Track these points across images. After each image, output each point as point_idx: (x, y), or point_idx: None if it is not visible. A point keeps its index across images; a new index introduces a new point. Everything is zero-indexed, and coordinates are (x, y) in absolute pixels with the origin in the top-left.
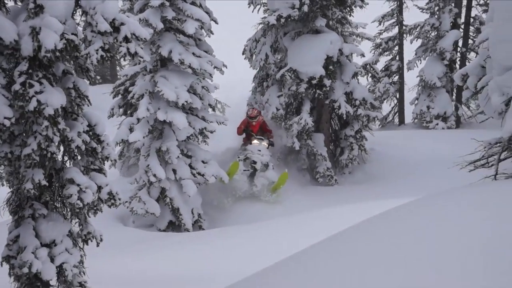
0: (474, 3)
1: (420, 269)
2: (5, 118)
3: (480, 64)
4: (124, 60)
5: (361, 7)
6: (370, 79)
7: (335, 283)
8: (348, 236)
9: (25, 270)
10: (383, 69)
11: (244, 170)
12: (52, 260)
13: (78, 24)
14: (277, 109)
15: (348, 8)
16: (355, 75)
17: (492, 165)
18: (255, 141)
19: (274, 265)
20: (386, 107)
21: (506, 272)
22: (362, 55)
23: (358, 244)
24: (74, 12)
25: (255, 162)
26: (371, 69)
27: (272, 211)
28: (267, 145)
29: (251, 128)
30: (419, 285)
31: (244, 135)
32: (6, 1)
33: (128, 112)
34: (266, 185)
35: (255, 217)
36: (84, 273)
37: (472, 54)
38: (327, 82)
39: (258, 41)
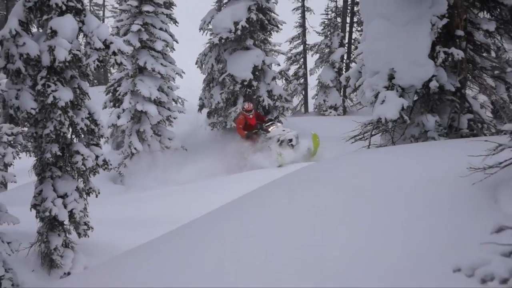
0: (354, 29)
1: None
2: (31, 108)
3: (357, 70)
4: (113, 68)
5: (277, 31)
6: (284, 81)
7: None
8: (264, 191)
9: (47, 213)
10: (293, 74)
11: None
12: (65, 207)
13: (80, 43)
14: (218, 103)
15: (268, 32)
16: (274, 78)
17: (366, 138)
18: (272, 127)
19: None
20: (296, 100)
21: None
22: (278, 64)
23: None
24: (78, 35)
25: (291, 140)
26: (285, 74)
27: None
28: (279, 123)
29: (249, 123)
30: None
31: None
32: (31, 28)
33: (116, 105)
34: (310, 149)
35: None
36: (87, 216)
37: (353, 64)
38: (254, 83)
39: (206, 55)
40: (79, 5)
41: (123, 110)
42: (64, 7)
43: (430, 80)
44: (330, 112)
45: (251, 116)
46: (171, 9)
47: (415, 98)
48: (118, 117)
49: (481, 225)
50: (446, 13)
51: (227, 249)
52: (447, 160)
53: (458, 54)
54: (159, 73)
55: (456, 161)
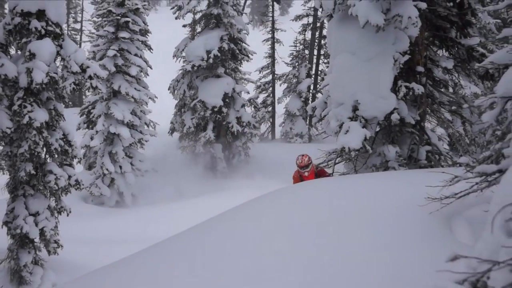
0: (321, 61)
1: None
2: (7, 127)
3: (323, 101)
4: (88, 91)
5: (247, 61)
6: (253, 109)
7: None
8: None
9: (18, 231)
10: (262, 102)
11: None
12: (36, 225)
13: (58, 66)
14: (189, 127)
15: (239, 61)
16: (243, 105)
17: (330, 166)
18: None
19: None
20: (263, 127)
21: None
22: (248, 92)
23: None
24: (56, 58)
25: None
26: (254, 102)
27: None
28: None
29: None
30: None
31: None
32: (10, 50)
33: (90, 126)
34: None
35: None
36: (58, 234)
37: (319, 94)
38: (224, 110)
39: (179, 81)
40: (57, 30)
41: (96, 131)
42: (43, 31)
43: (392, 112)
44: (296, 140)
45: (307, 173)
46: (147, 36)
47: (377, 129)
48: (91, 138)
49: (437, 253)
50: (408, 50)
51: (187, 265)
52: (406, 190)
53: (419, 89)
54: (132, 97)
55: (415, 191)
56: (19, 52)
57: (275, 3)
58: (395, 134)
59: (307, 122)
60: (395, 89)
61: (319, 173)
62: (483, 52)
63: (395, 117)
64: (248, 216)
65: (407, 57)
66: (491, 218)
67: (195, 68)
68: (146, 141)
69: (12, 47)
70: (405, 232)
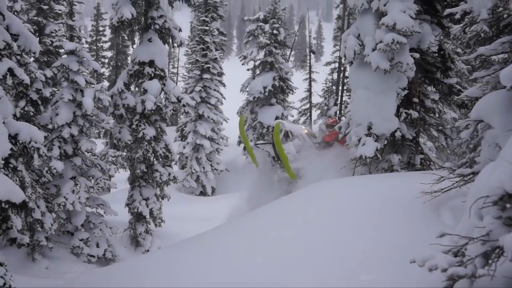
0: (344, 94)
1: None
2: (128, 140)
3: (347, 122)
4: (182, 115)
5: (292, 94)
6: None
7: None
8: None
9: (135, 210)
10: (302, 123)
11: None
12: (147, 206)
13: (162, 98)
14: (251, 140)
15: (286, 94)
16: None
17: (352, 168)
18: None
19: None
20: None
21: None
22: (292, 116)
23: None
24: (160, 93)
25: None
26: (296, 123)
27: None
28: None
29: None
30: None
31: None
32: (131, 87)
33: (182, 139)
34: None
35: None
36: (161, 213)
37: (343, 118)
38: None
39: (244, 107)
40: (162, 73)
41: (187, 143)
42: (152, 74)
43: (395, 131)
44: None
45: (328, 132)
46: (222, 76)
47: (385, 142)
48: (184, 147)
49: (430, 232)
50: (406, 86)
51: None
52: (406, 186)
53: (415, 114)
54: (212, 119)
55: (412, 187)
56: (137, 89)
57: (311, 54)
58: (398, 146)
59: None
60: (397, 114)
61: (340, 142)
62: (460, 88)
63: (398, 134)
64: (290, 206)
65: (406, 91)
66: (468, 207)
67: (255, 98)
68: (221, 149)
69: (132, 86)
70: (406, 216)
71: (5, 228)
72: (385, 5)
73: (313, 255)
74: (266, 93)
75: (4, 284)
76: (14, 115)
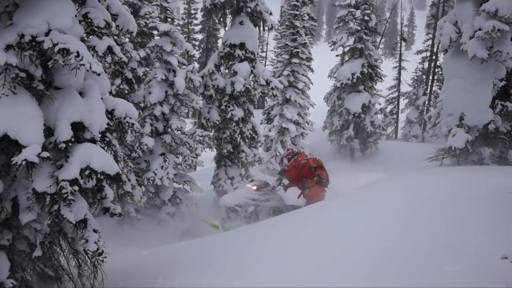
0: (434, 84)
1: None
2: (216, 120)
3: (437, 112)
4: (269, 98)
5: (380, 81)
6: (382, 116)
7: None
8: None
9: (220, 188)
10: (389, 111)
11: None
12: (231, 185)
13: (251, 80)
14: (337, 127)
15: (374, 81)
16: (375, 113)
17: (439, 160)
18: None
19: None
20: (389, 129)
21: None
22: (379, 104)
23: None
24: (250, 75)
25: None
26: (383, 111)
27: None
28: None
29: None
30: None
31: None
32: (221, 69)
33: (269, 122)
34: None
35: None
36: None
37: (432, 108)
38: (362, 115)
39: (331, 93)
40: (252, 56)
41: (273, 126)
42: (242, 57)
43: (489, 123)
44: (412, 140)
45: (286, 167)
46: (310, 62)
47: (477, 134)
48: (269, 130)
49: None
50: (504, 77)
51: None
52: (498, 180)
53: (511, 106)
54: (298, 103)
55: (505, 181)
56: (226, 71)
57: (402, 41)
58: (490, 139)
59: (421, 127)
60: (492, 106)
61: (316, 170)
62: None
63: (491, 126)
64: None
65: (503, 82)
66: None
67: (343, 85)
68: (306, 134)
69: (222, 67)
70: (499, 210)
71: (100, 197)
72: None
73: (407, 240)
74: (354, 80)
75: (98, 249)
76: (110, 92)
